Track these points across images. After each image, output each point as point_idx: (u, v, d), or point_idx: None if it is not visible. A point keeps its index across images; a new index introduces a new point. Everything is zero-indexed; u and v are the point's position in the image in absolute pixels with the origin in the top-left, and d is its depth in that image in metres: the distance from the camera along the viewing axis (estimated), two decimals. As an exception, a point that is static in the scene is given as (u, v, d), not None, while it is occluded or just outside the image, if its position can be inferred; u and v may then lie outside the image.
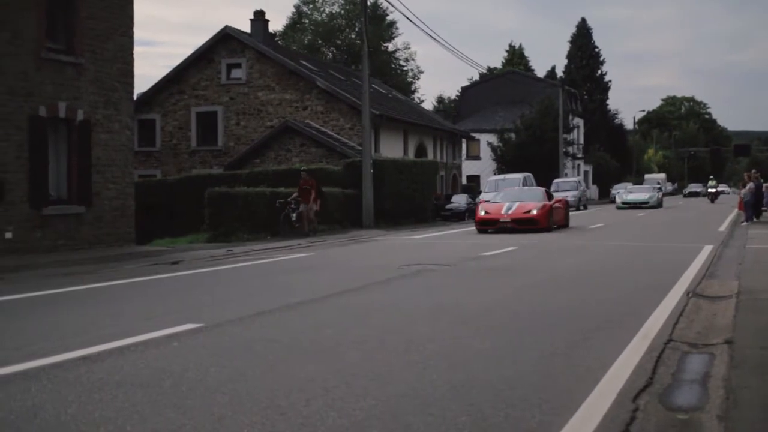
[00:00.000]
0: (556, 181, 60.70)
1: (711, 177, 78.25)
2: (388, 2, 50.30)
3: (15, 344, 9.09)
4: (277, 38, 69.07)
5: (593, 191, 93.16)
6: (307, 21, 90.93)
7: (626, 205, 59.33)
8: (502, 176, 54.49)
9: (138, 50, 25.14)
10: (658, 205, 60.80)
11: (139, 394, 6.79)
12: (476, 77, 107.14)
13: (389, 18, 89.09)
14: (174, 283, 16.21)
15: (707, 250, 20.94)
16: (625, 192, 65.36)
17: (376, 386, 6.94)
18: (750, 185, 35.58)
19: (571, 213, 50.94)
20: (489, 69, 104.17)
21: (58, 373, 7.61)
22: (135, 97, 29.10)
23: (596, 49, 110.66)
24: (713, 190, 73.94)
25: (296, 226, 30.96)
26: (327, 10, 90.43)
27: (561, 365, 7.79)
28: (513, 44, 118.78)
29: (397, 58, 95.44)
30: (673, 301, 12.03)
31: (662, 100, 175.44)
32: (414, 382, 7.09)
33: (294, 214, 31.06)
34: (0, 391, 6.92)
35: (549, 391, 6.78)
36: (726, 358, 8.05)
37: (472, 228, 32.95)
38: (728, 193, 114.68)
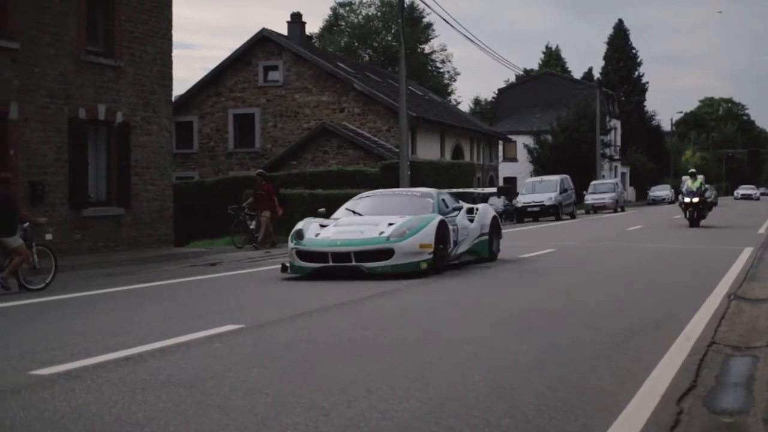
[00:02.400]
0: (593, 183, 60.45)
1: (691, 171, 38.72)
2: (425, 4, 50.41)
3: (58, 345, 9.15)
4: (313, 40, 69.25)
5: (630, 193, 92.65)
6: (343, 23, 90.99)
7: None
8: (539, 178, 54.26)
9: (175, 53, 25.26)
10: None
11: (182, 394, 6.81)
12: (513, 79, 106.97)
13: (426, 20, 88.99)
14: (213, 284, 16.28)
15: (747, 252, 20.76)
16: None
17: (417, 388, 6.92)
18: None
19: (608, 214, 50.84)
20: (525, 71, 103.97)
21: (102, 373, 7.66)
22: (173, 100, 29.21)
23: (633, 51, 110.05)
24: (693, 200, 33.58)
25: (255, 236, 27.32)
26: (363, 12, 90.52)
27: (603, 367, 7.74)
28: (549, 46, 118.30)
29: (433, 60, 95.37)
30: (714, 303, 11.93)
31: (700, 101, 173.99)
32: (456, 383, 7.08)
33: (252, 222, 27.64)
34: (44, 391, 6.97)
35: (591, 394, 6.74)
36: (770, 361, 7.99)
37: (509, 230, 32.88)
38: (756, 198, 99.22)
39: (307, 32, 53.31)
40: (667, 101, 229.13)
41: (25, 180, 21.04)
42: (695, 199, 32.91)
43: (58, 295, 14.35)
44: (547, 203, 46.99)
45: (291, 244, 16.94)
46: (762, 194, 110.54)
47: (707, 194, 32.79)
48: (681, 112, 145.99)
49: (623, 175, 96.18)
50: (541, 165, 72.29)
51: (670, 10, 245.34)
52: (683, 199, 33.65)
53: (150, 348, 8.82)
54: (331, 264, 16.16)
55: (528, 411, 6.24)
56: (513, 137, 76.72)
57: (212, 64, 50.35)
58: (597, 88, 77.16)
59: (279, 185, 29.75)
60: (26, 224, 16.34)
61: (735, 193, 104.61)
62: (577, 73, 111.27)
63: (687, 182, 33.73)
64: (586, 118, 73.14)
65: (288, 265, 16.86)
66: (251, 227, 27.48)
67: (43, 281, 16.04)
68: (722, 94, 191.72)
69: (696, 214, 33.10)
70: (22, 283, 15.66)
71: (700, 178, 34.82)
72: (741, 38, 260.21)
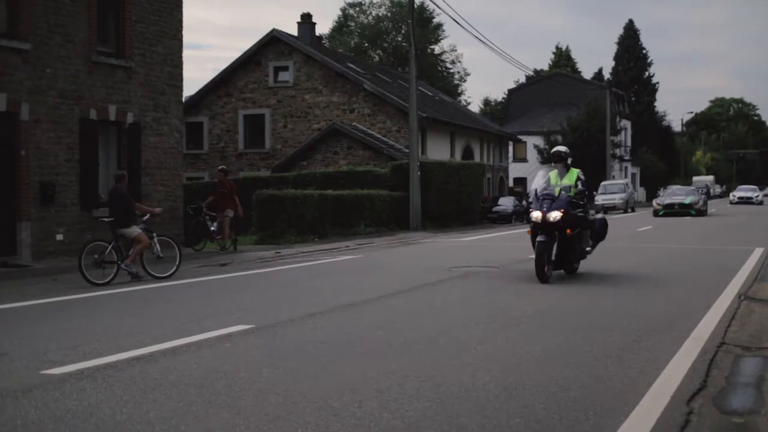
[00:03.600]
0: (603, 183, 60.34)
1: (556, 150, 16.25)
2: (435, 4, 50.34)
3: (70, 344, 9.19)
4: (323, 41, 69.25)
5: (641, 193, 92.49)
6: (353, 24, 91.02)
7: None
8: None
9: (186, 53, 25.28)
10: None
11: (192, 394, 6.84)
12: (523, 79, 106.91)
13: (436, 20, 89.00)
14: (224, 284, 16.31)
15: (758, 252, 20.74)
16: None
17: (428, 387, 6.94)
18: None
19: (619, 215, 50.70)
20: (536, 71, 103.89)
21: (113, 373, 7.69)
22: (183, 100, 29.25)
23: (644, 51, 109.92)
24: (550, 216, 15.08)
25: (216, 239, 25.34)
26: (373, 12, 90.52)
27: (614, 367, 7.75)
28: (560, 46, 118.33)
29: (443, 61, 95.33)
30: (724, 303, 11.95)
31: (710, 101, 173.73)
32: (467, 383, 7.10)
33: (214, 224, 25.35)
34: (56, 391, 7.00)
35: (602, 394, 6.76)
36: (780, 361, 7.99)
37: (520, 230, 32.82)
38: (758, 202, 77.19)
39: (317, 33, 53.28)
40: (678, 101, 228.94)
41: (36, 180, 21.09)
42: (553, 216, 15.29)
43: (68, 296, 14.40)
44: (557, 203, 46.82)
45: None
46: (766, 196, 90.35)
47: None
48: (692, 113, 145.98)
49: (633, 175, 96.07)
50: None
51: (681, 11, 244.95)
52: (531, 215, 15.75)
53: (161, 348, 8.86)
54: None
55: (539, 410, 6.26)
56: (523, 138, 76.70)
57: (223, 65, 50.44)
58: (607, 88, 77.12)
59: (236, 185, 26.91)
60: (146, 216, 18.22)
61: (731, 196, 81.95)
62: (588, 74, 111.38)
63: (545, 175, 16.57)
64: (597, 119, 73.13)
65: None
66: (212, 229, 25.33)
67: (167, 270, 17.75)
68: (733, 94, 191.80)
69: (553, 252, 15.41)
70: (149, 271, 17.48)
71: (562, 180, 16.14)
72: (752, 38, 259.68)
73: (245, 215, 26.79)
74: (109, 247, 17.05)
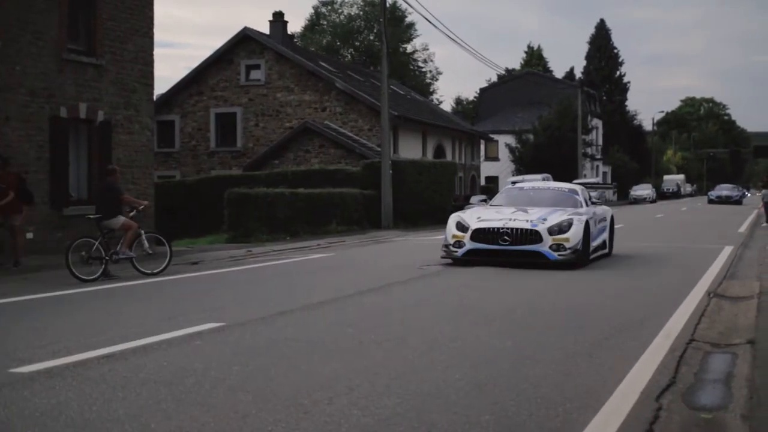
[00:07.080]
0: (574, 182, 60.45)
1: None
2: (408, 3, 50.17)
3: (39, 343, 9.13)
4: (295, 40, 69.16)
5: (611, 192, 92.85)
6: (325, 23, 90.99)
7: None
8: (520, 177, 54.39)
9: (159, 52, 25.22)
10: None
11: (163, 392, 6.82)
12: (495, 78, 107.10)
13: (408, 19, 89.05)
14: (195, 283, 16.26)
15: (728, 251, 20.88)
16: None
17: (399, 385, 6.95)
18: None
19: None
20: (507, 70, 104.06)
21: (82, 371, 7.65)
22: (155, 99, 29.13)
23: (615, 50, 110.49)
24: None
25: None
26: (345, 11, 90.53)
27: (584, 365, 7.79)
28: (532, 45, 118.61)
29: (415, 60, 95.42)
30: (694, 301, 12.03)
31: (681, 101, 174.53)
32: (438, 380, 7.11)
33: None
34: (25, 389, 6.96)
35: (572, 391, 6.79)
36: (749, 357, 8.05)
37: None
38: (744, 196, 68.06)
39: (289, 31, 53.21)
40: (649, 101, 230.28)
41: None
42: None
43: (38, 294, 14.29)
44: (528, 202, 46.94)
45: None
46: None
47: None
48: (662, 112, 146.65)
49: (605, 174, 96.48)
50: (523, 164, 72.38)
51: (654, 11, 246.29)
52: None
53: (131, 346, 8.82)
54: None
55: (509, 407, 6.28)
56: (495, 136, 76.82)
57: (195, 64, 50.15)
58: (578, 87, 77.39)
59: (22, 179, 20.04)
60: (133, 212, 18.39)
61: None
62: (559, 73, 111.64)
63: None
64: (568, 118, 73.34)
65: None
66: None
67: (158, 266, 17.83)
68: (703, 94, 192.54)
69: None
70: (138, 268, 17.57)
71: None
72: (722, 39, 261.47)
73: (217, 214, 26.62)
74: (96, 244, 17.04)
